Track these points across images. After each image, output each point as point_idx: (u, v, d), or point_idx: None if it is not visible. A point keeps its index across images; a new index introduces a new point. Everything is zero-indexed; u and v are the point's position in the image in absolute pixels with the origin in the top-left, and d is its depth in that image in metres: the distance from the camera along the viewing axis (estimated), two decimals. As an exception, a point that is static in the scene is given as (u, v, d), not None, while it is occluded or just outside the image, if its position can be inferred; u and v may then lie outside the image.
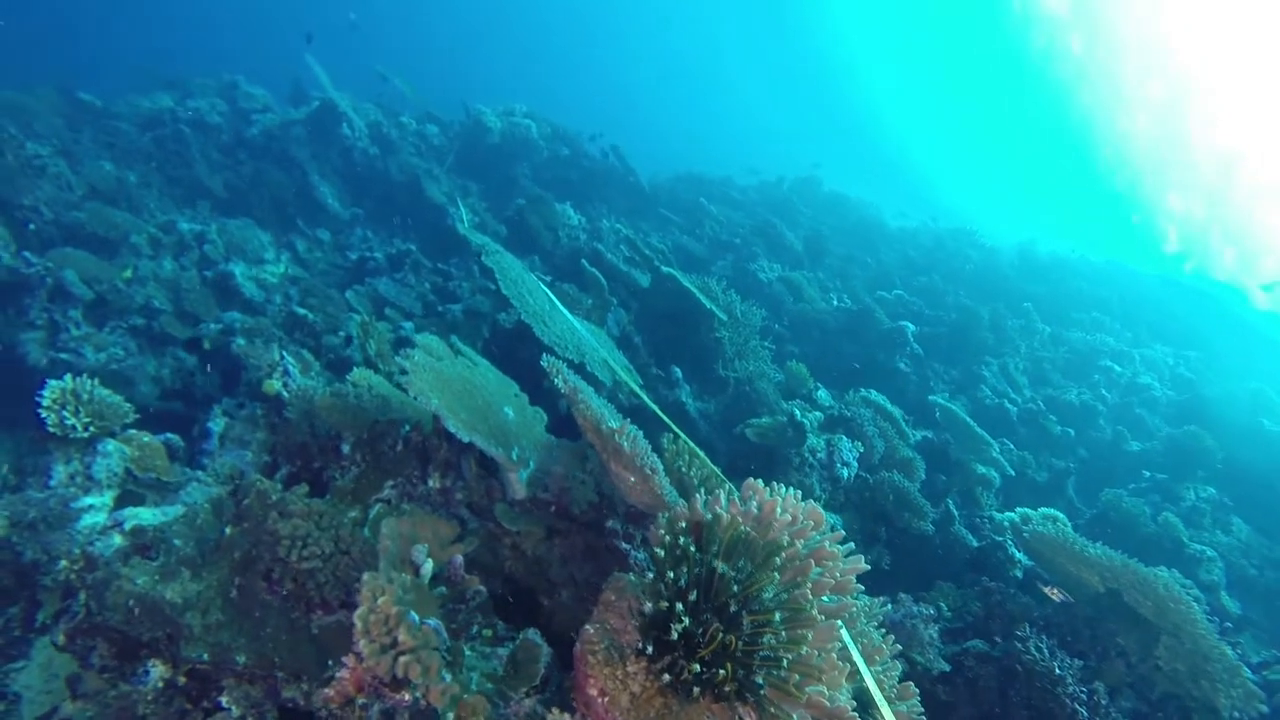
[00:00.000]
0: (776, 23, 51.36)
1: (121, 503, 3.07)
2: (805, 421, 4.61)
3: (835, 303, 10.88)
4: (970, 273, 12.51)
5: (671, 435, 3.21)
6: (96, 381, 3.19)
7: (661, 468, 2.56)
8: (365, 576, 2.00)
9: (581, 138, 14.96)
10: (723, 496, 2.18)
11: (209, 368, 6.19)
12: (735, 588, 1.84)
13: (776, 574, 1.84)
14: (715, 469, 3.15)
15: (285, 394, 3.28)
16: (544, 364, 3.09)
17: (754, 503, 2.14)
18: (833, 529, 2.35)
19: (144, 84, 12.22)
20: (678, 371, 6.29)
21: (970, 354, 8.73)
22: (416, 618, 2.02)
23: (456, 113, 14.39)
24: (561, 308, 5.13)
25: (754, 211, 16.05)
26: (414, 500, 2.97)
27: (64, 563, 2.42)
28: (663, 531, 1.92)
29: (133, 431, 3.24)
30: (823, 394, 6.95)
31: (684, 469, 3.01)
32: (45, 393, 2.95)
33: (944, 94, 53.18)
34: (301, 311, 5.58)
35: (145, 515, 2.76)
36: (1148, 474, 7.57)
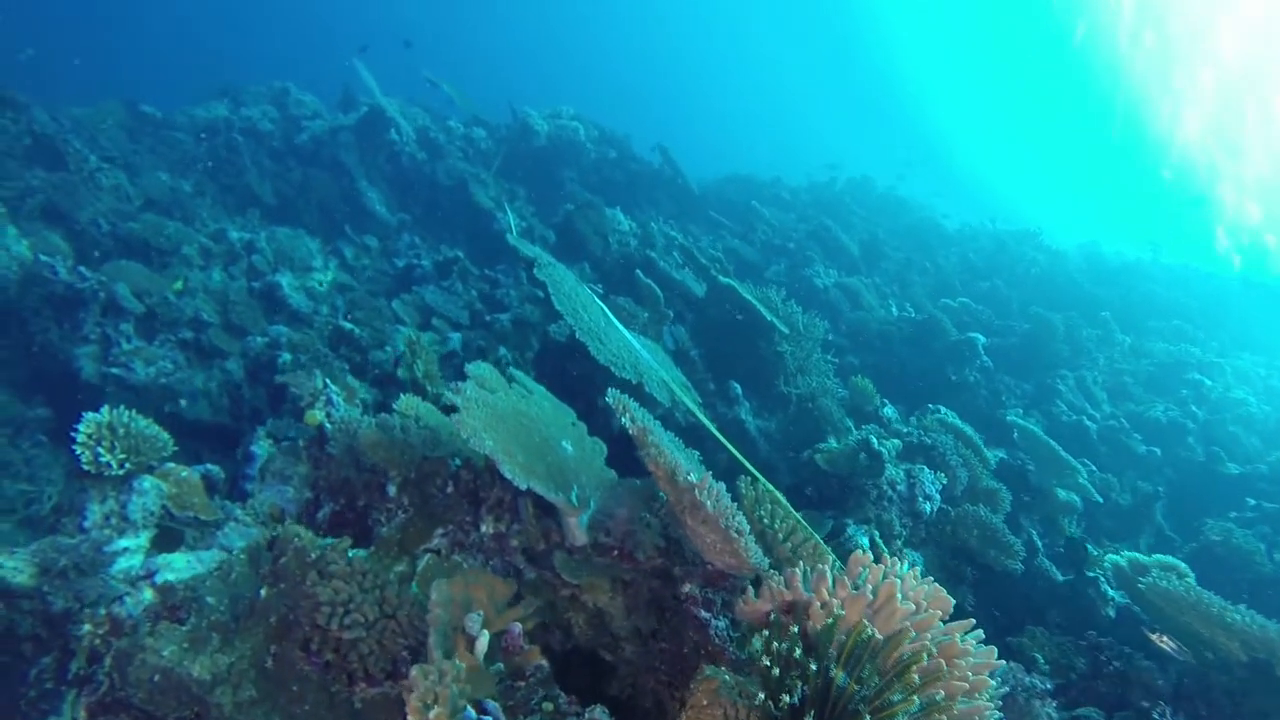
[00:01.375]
0: (823, 21, 50.36)
1: (158, 543, 2.88)
2: (882, 450, 4.22)
3: (895, 310, 10.36)
4: (1035, 277, 11.81)
5: (749, 479, 2.88)
6: (134, 413, 3.00)
7: (749, 529, 2.23)
8: (414, 672, 1.72)
9: (629, 140, 14.67)
10: (829, 574, 1.84)
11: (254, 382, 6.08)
12: (861, 707, 1.50)
13: (915, 697, 1.49)
14: (798, 517, 2.80)
15: (328, 425, 3.04)
16: (609, 400, 2.79)
17: (868, 586, 1.79)
18: (950, 612, 1.97)
19: (201, 93, 12.38)
20: (736, 388, 5.94)
21: (1043, 366, 8.15)
22: (473, 716, 1.73)
23: (503, 116, 14.25)
24: (617, 324, 4.83)
25: (805, 213, 15.54)
26: (466, 549, 2.70)
27: (88, 626, 2.21)
28: (774, 644, 1.59)
29: (171, 465, 3.05)
30: (889, 410, 6.51)
31: (765, 519, 2.68)
32: (80, 428, 2.76)
33: (993, 90, 51.42)
34: (348, 326, 5.41)
35: (179, 564, 2.54)
36: (1253, 502, 6.91)
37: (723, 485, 2.30)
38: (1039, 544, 5.27)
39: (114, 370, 5.69)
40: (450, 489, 2.82)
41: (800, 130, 57.73)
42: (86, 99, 11.22)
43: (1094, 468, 7.32)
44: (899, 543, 4.13)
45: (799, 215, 15.08)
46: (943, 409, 6.42)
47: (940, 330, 7.56)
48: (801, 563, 2.10)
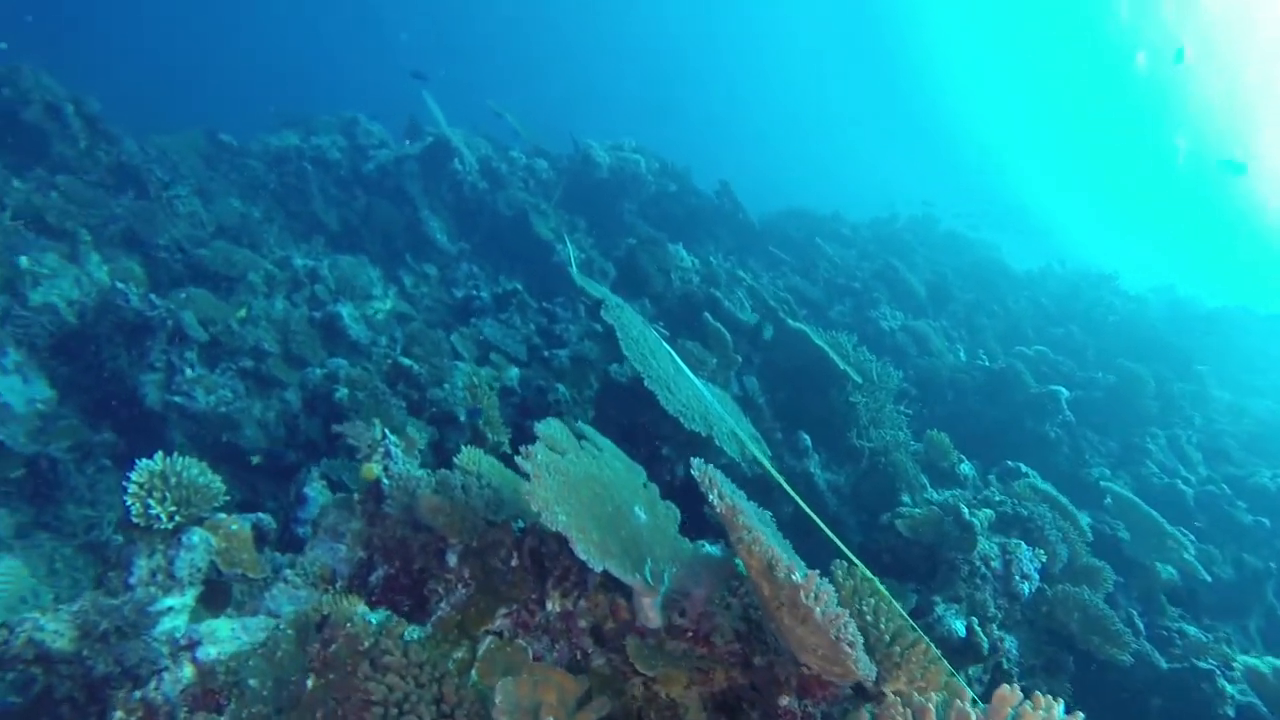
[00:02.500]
0: (879, 56, 50.02)
1: (204, 599, 2.72)
2: (974, 522, 3.83)
3: (963, 355, 9.87)
4: (1114, 324, 11.13)
5: (846, 566, 2.56)
6: (188, 460, 2.86)
7: (862, 641, 1.92)
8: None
9: (689, 173, 14.56)
10: (973, 716, 1.52)
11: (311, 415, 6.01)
12: None
13: None
14: (903, 613, 2.47)
15: (386, 481, 2.85)
16: (694, 474, 2.53)
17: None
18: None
19: (276, 123, 12.79)
20: (806, 439, 5.61)
21: (1131, 423, 7.56)
22: None
23: (564, 146, 14.30)
24: (687, 371, 4.58)
25: (866, 249, 15.13)
26: (531, 631, 2.45)
27: (120, 713, 2.03)
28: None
29: (222, 516, 2.90)
30: (966, 467, 6.08)
31: (869, 616, 2.35)
32: (133, 477, 2.63)
33: (1053, 125, 49.96)
34: (406, 362, 5.29)
35: (222, 632, 2.36)
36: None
37: (830, 587, 2.00)
38: (1139, 624, 4.75)
39: (176, 399, 5.69)
40: (514, 561, 2.58)
41: (855, 164, 57.25)
42: (169, 124, 11.71)
43: (1192, 538, 6.70)
44: (994, 626, 3.73)
45: (860, 252, 14.68)
46: (1028, 470, 5.96)
47: (1018, 381, 7.09)
48: (935, 694, 1.78)
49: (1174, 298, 13.73)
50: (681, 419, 4.26)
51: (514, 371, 6.69)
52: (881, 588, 2.55)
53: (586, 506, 2.49)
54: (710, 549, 4.03)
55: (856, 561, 2.55)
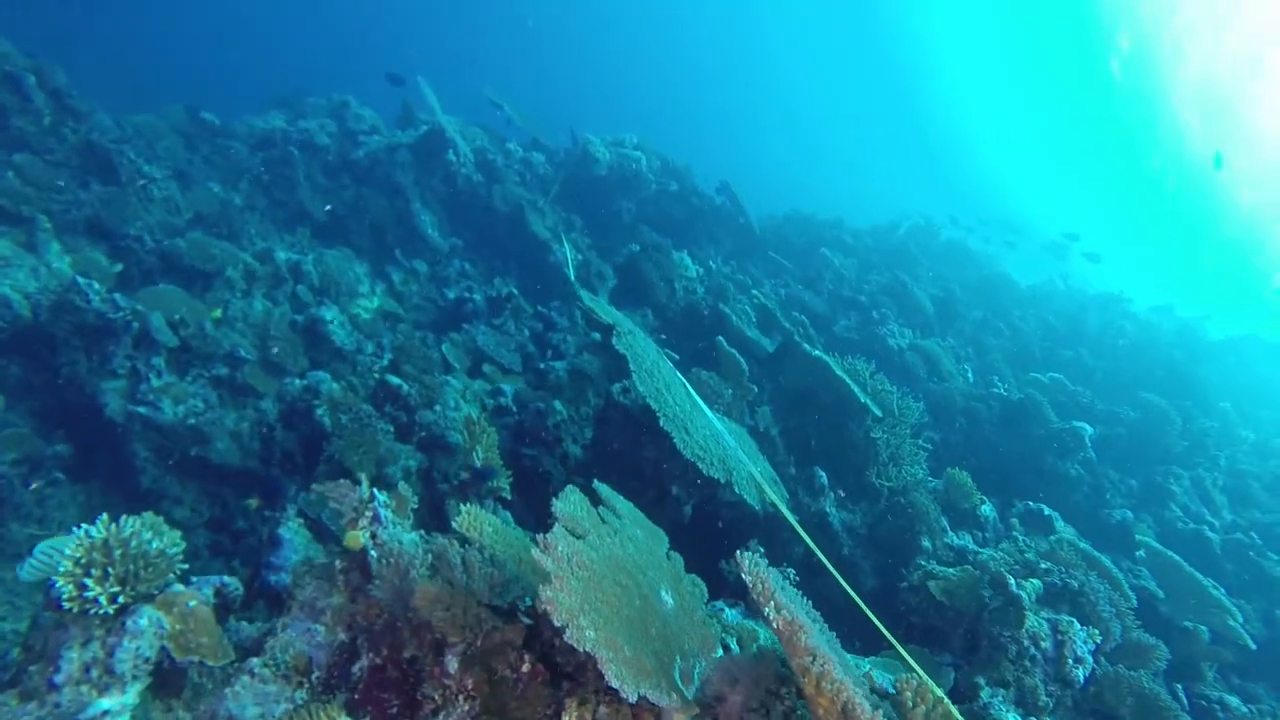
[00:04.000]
0: (881, 62, 49.73)
1: (152, 692, 2.29)
2: (1023, 595, 3.49)
3: (971, 376, 9.57)
4: (1125, 349, 10.88)
5: (916, 687, 2.18)
6: (140, 525, 2.43)
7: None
8: None
9: (691, 173, 14.13)
10: None
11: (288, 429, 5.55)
12: None
13: None
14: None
15: (374, 553, 2.44)
16: (745, 577, 2.15)
17: None
18: None
19: (263, 102, 12.18)
20: (822, 476, 5.24)
21: (1152, 460, 7.28)
22: None
23: (562, 139, 13.80)
24: (704, 407, 4.18)
25: (869, 259, 14.82)
26: (542, 757, 2.06)
27: None
28: None
29: (178, 589, 2.46)
30: (987, 509, 5.76)
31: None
32: (67, 551, 2.19)
33: (1043, 133, 50.03)
34: (395, 381, 4.85)
35: (171, 756, 1.93)
36: None
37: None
38: (1183, 698, 4.45)
39: (140, 409, 5.21)
40: (525, 666, 2.18)
41: (852, 168, 57.11)
42: (152, 101, 11.05)
43: (1237, 606, 6.37)
44: (1046, 718, 3.38)
45: (863, 261, 14.36)
46: (1051, 512, 5.65)
47: (1039, 414, 6.77)
48: None
49: (1180, 322, 13.52)
50: (699, 463, 3.88)
51: (509, 388, 6.26)
52: (950, 706, 2.18)
53: (614, 608, 2.10)
54: (731, 615, 3.64)
55: (921, 673, 2.17)
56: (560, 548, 2.08)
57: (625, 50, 56.26)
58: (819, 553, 3.63)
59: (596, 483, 2.88)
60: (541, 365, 6.91)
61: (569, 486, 2.51)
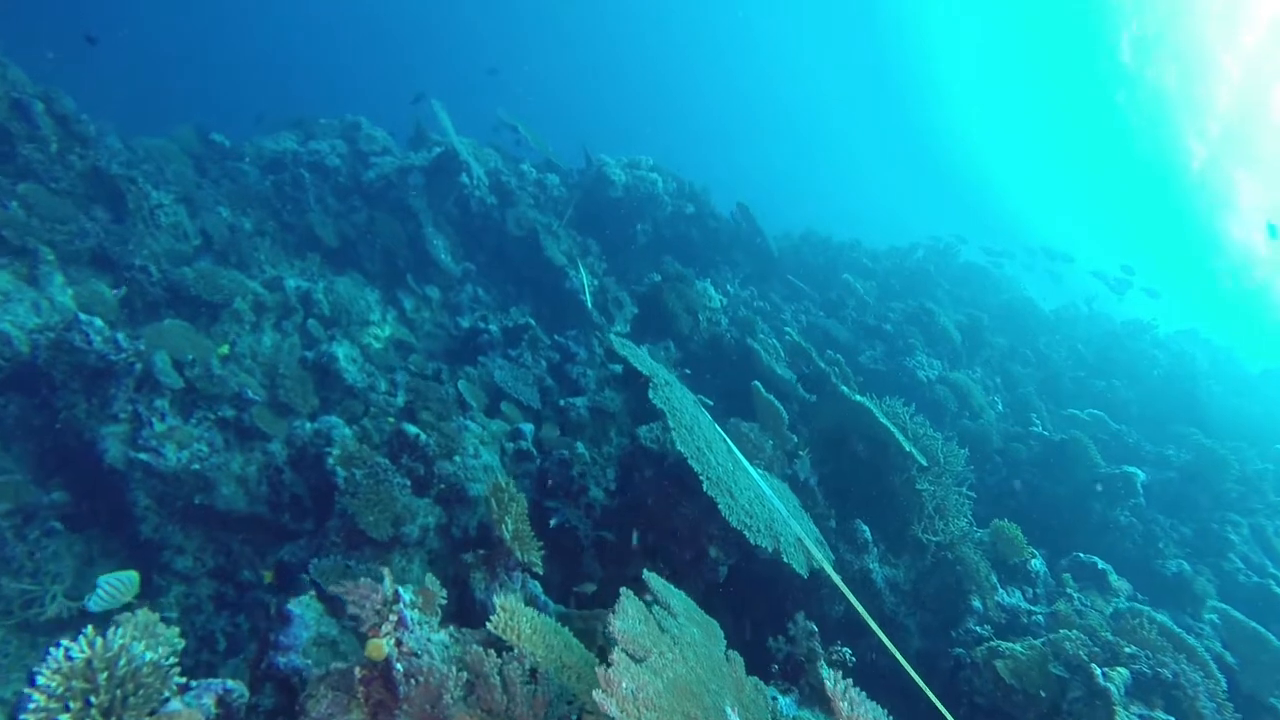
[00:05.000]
0: (887, 81, 49.72)
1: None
2: (1111, 689, 3.15)
3: (1001, 406, 9.23)
4: (1158, 379, 10.50)
5: None
6: (132, 631, 2.12)
7: None
8: None
9: (708, 194, 13.89)
10: None
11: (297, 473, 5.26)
12: None
13: None
14: None
15: (399, 666, 2.12)
16: (834, 700, 1.82)
17: None
18: None
19: (273, 124, 12.00)
20: (865, 531, 4.91)
21: (1205, 507, 6.90)
22: None
23: (574, 159, 13.59)
24: (746, 464, 3.87)
25: (887, 282, 14.53)
26: None
27: None
28: None
29: (176, 708, 2.15)
30: (1037, 563, 5.41)
31: None
32: (39, 679, 1.88)
33: (1054, 158, 49.87)
34: (412, 430, 4.55)
35: None
36: None
37: None
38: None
39: (142, 456, 4.92)
40: (578, 820, 1.86)
41: (862, 185, 57.01)
42: (164, 123, 10.88)
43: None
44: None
45: (881, 285, 14.07)
46: (1104, 565, 5.30)
47: (1084, 457, 6.42)
48: None
49: (1213, 350, 13.13)
50: (746, 531, 3.57)
51: (529, 428, 5.96)
52: None
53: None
54: (785, 704, 3.32)
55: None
56: (624, 684, 1.77)
57: (633, 71, 56.41)
58: (882, 636, 3.30)
59: (647, 574, 2.57)
60: (561, 402, 6.61)
61: (625, 596, 2.20)
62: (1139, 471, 6.18)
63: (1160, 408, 9.41)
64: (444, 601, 2.53)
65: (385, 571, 2.38)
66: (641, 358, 4.28)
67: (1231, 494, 6.99)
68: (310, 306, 7.55)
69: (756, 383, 5.16)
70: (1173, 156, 41.02)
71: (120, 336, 4.94)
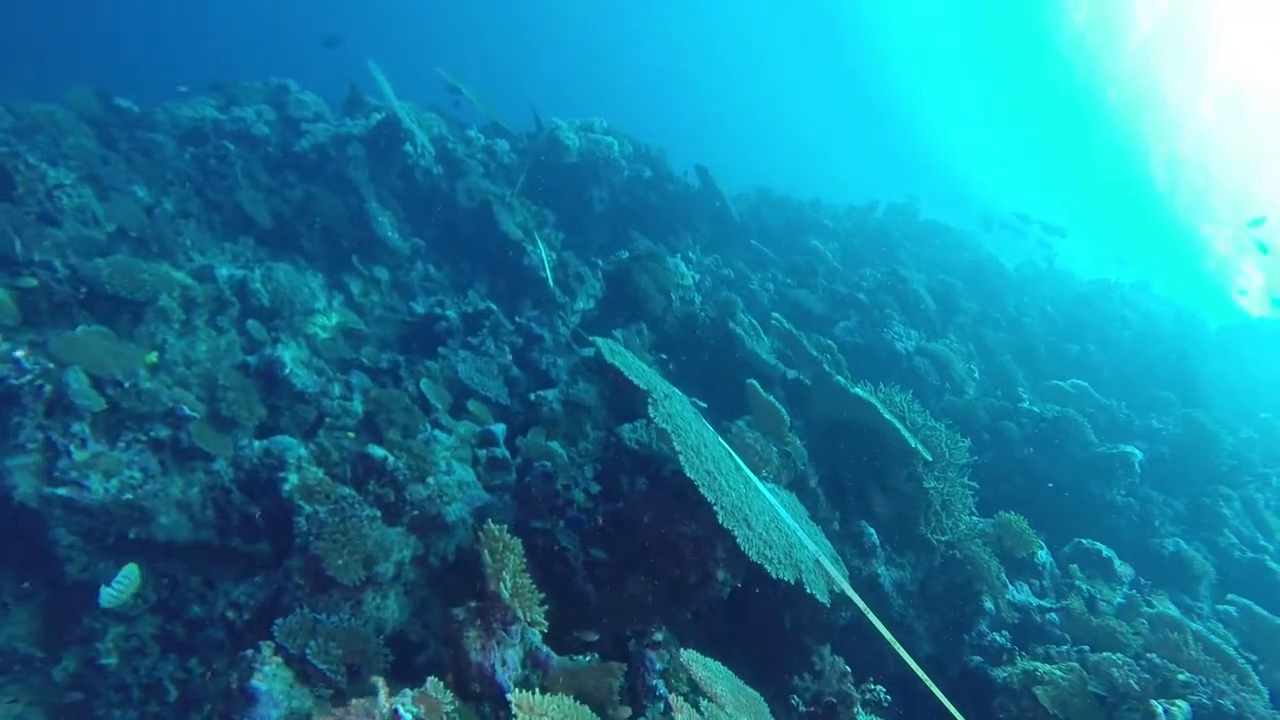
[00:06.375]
0: (832, 37, 48.99)
1: None
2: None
3: (978, 374, 9.14)
4: (1129, 340, 10.54)
5: None
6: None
7: None
8: None
9: (665, 157, 13.31)
10: None
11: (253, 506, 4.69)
12: None
13: None
14: None
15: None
16: None
17: None
18: None
19: (188, 89, 10.81)
20: (872, 535, 4.66)
21: (1197, 481, 6.88)
22: None
23: (524, 121, 12.78)
24: (759, 485, 3.52)
25: (849, 243, 14.31)
26: None
27: None
28: None
29: None
30: (1043, 555, 5.28)
31: None
32: None
33: (995, 114, 50.47)
34: (379, 454, 4.04)
35: None
36: None
37: None
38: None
39: (59, 490, 4.28)
40: None
41: (807, 144, 56.66)
42: (56, 91, 9.64)
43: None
44: None
45: (844, 246, 13.84)
46: (1110, 553, 5.19)
47: (1078, 436, 6.31)
48: None
49: (1176, 309, 13.32)
50: (766, 565, 3.24)
51: (500, 429, 5.49)
52: None
53: None
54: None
55: None
56: None
57: (580, 28, 54.24)
58: (912, 662, 3.04)
59: (691, 658, 2.19)
60: (532, 397, 6.14)
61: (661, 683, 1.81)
62: (1136, 451, 6.11)
63: (1133, 370, 9.46)
64: (450, 708, 2.10)
65: (379, 684, 1.94)
66: (636, 368, 3.84)
67: (1223, 467, 7.01)
68: (247, 297, 6.81)
69: (753, 381, 4.78)
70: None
71: (20, 354, 4.23)
